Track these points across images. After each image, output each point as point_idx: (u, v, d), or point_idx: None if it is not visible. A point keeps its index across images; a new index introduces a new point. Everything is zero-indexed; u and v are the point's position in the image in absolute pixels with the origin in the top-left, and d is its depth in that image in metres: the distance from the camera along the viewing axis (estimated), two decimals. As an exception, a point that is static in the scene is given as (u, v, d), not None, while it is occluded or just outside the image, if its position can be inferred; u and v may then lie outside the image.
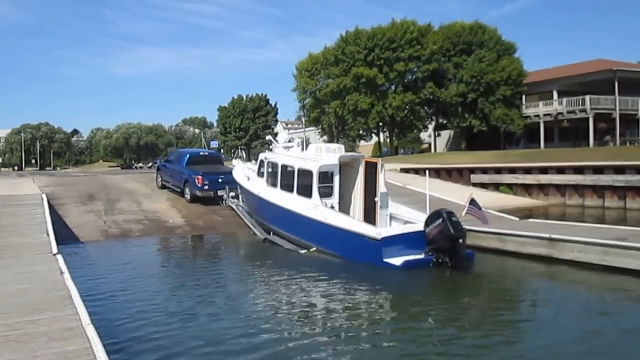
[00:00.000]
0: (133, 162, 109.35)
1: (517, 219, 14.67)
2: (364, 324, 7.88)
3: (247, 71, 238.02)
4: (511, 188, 23.48)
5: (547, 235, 11.36)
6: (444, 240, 10.52)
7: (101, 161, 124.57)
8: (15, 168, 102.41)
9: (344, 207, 13.13)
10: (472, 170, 25.48)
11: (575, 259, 10.71)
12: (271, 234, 14.49)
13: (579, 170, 21.57)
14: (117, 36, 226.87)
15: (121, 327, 7.38)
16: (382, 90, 47.17)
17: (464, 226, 10.87)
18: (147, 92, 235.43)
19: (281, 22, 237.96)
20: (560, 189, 22.00)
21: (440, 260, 10.68)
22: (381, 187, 12.59)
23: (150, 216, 17.44)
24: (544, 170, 22.86)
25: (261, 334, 7.18)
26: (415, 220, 11.80)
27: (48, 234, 11.19)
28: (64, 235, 13.91)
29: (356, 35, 47.34)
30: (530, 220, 14.60)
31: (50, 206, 15.84)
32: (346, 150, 14.32)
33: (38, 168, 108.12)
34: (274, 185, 14.25)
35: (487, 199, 20.14)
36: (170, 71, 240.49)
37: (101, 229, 15.77)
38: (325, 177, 13.01)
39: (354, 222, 11.89)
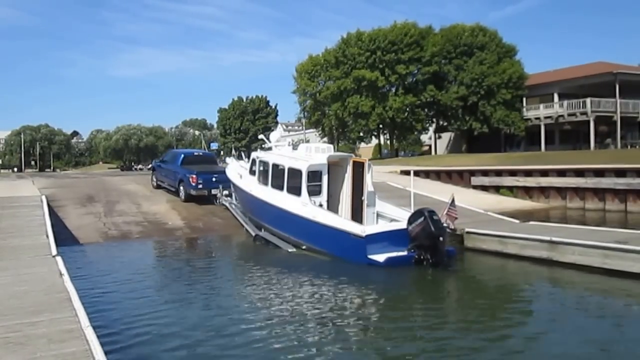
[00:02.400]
0: (133, 163, 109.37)
1: (517, 221, 14.63)
2: (351, 322, 8.00)
3: (247, 73, 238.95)
4: (512, 190, 23.43)
5: (547, 238, 11.34)
6: (425, 237, 10.85)
7: (101, 163, 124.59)
8: (15, 169, 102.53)
9: (333, 205, 13.55)
10: (473, 173, 25.44)
11: (576, 262, 10.69)
12: (262, 230, 14.76)
13: (579, 173, 21.52)
14: (117, 38, 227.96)
15: (120, 329, 7.35)
16: (383, 93, 47.17)
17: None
18: (147, 93, 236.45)
19: (281, 24, 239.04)
20: (561, 191, 21.96)
21: (421, 257, 11.00)
22: (368, 186, 13.02)
23: (150, 218, 17.41)
24: (544, 173, 22.82)
25: (258, 335, 7.19)
26: (401, 219, 12.06)
27: (47, 236, 11.16)
28: (64, 237, 13.88)
29: (357, 37, 47.35)
30: (531, 222, 14.56)
31: (50, 208, 15.81)
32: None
33: (37, 170, 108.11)
34: (265, 183, 14.60)
35: (488, 201, 20.16)
36: (170, 73, 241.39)
37: (101, 230, 15.73)
38: (314, 176, 13.39)
39: (340, 220, 12.27)
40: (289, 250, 13.10)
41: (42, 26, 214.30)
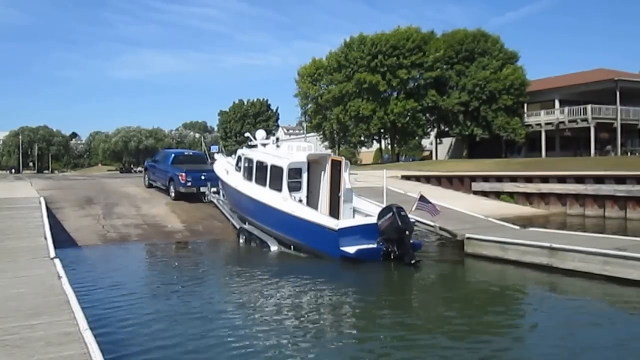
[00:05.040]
0: (132, 166, 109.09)
1: (518, 227, 14.62)
2: (334, 323, 8.09)
3: (248, 76, 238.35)
4: (512, 196, 23.45)
5: (547, 245, 11.32)
6: (393, 231, 11.67)
7: (100, 165, 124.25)
8: (13, 171, 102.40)
9: (312, 201, 14.34)
10: (474, 178, 25.45)
11: (576, 269, 10.67)
12: (246, 224, 15.47)
13: (580, 179, 21.55)
14: (118, 39, 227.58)
15: (119, 332, 7.32)
16: (384, 97, 47.21)
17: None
18: (148, 95, 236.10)
19: (283, 27, 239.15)
20: (561, 198, 21.99)
21: (389, 250, 11.82)
22: (345, 184, 13.92)
23: (149, 221, 17.38)
24: (545, 179, 22.84)
25: (254, 339, 7.18)
26: (374, 214, 12.61)
27: (46, 238, 11.12)
28: (62, 239, 13.85)
29: (360, 41, 47.41)
30: (531, 229, 14.55)
31: (48, 210, 15.76)
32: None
33: (36, 171, 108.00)
34: (250, 179, 15.27)
35: (488, 207, 20.14)
36: (171, 75, 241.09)
37: (99, 233, 15.68)
38: (295, 173, 14.16)
39: (316, 214, 13.01)
40: (272, 246, 13.71)
41: (43, 27, 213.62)
